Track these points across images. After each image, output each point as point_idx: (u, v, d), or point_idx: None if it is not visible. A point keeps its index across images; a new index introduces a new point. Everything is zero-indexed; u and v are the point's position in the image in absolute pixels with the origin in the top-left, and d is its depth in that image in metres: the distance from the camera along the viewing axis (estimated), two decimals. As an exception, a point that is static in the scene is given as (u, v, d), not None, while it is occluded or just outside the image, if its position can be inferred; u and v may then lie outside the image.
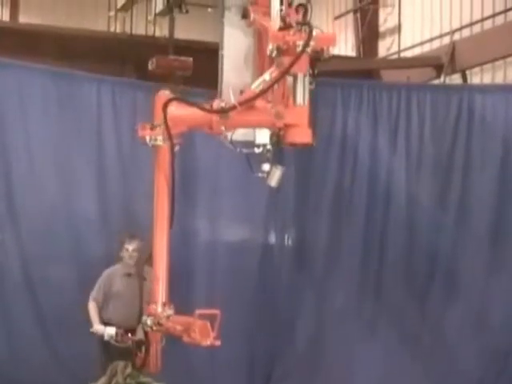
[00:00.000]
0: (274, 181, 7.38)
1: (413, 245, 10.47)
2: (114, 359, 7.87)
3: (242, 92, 7.37)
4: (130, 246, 8.77)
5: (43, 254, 9.68)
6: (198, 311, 6.81)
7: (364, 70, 16.26)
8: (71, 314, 9.18)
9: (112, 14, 16.13)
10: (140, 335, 7.84)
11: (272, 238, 10.82)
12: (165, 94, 7.51)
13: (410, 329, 10.36)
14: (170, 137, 7.20)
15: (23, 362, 9.48)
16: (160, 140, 7.31)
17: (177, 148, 7.46)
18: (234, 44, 7.75)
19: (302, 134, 6.93)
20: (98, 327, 8.41)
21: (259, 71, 7.41)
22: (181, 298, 9.37)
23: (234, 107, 6.93)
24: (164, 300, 7.36)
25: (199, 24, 18.98)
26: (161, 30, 15.35)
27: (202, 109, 7.17)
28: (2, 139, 9.73)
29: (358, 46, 18.91)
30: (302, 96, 6.80)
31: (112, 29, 16.47)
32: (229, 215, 10.65)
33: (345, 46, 19.92)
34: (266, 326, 10.15)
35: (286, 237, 10.88)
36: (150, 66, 12.44)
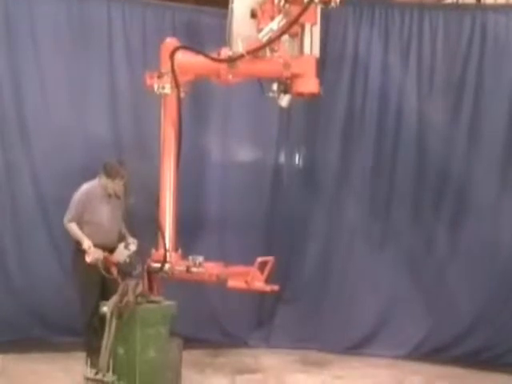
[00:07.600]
0: (284, 101, 7.39)
1: (423, 164, 10.45)
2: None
3: None
4: (115, 185, 8.38)
5: (54, 174, 9.72)
6: (259, 259, 7.22)
7: (376, -12, 16.03)
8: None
9: None
10: (119, 258, 7.79)
11: (283, 158, 10.83)
12: (171, 42, 7.44)
13: (420, 248, 10.41)
14: (177, 85, 7.17)
15: (34, 274, 9.70)
16: (168, 88, 7.27)
17: (183, 96, 7.44)
18: None
19: (309, 84, 7.00)
20: (87, 243, 7.98)
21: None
22: (191, 218, 9.51)
23: (241, 56, 6.91)
24: (172, 245, 7.45)
25: None
26: None
27: (210, 57, 7.12)
28: (12, 60, 9.67)
29: (370, -37, 18.59)
30: (309, 46, 6.80)
31: None
32: (240, 135, 10.65)
33: (357, -37, 19.57)
34: (276, 247, 10.23)
35: (297, 157, 10.90)
36: (160, -16, 12.22)
